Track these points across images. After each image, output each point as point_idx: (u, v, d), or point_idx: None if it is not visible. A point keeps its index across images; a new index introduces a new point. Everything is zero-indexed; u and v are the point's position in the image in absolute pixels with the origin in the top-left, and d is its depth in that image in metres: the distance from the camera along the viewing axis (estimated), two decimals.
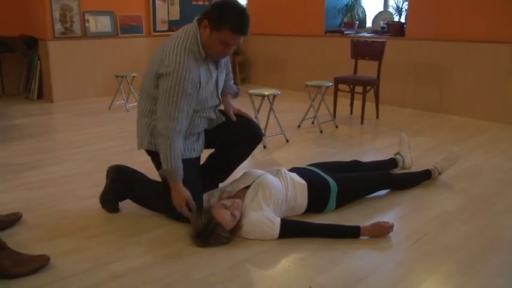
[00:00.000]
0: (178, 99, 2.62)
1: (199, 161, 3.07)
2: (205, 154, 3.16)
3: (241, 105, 3.33)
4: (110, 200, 3.09)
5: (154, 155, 2.88)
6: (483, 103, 5.81)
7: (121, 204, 3.14)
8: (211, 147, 3.20)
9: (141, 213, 3.07)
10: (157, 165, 2.84)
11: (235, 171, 3.31)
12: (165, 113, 2.64)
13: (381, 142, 4.85)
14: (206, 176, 3.09)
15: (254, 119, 3.11)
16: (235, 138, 3.11)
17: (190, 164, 2.86)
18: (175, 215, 2.84)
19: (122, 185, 3.04)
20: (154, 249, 2.60)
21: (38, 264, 2.36)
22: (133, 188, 3.06)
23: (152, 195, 3.00)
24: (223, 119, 3.08)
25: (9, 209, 3.04)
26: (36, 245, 2.62)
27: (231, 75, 3.30)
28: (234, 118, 3.08)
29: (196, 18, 2.75)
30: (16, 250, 2.39)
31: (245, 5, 8.78)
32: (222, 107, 3.13)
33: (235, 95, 3.33)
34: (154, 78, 2.72)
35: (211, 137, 3.08)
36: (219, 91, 2.98)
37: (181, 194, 2.72)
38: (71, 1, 6.92)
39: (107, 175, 3.11)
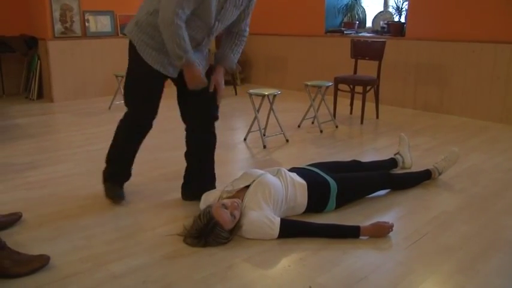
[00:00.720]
0: None
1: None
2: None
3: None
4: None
5: (132, 51, 2.97)
6: (483, 103, 5.81)
7: (120, 205, 3.18)
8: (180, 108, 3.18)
9: (141, 213, 3.08)
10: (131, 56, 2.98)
11: (235, 170, 3.30)
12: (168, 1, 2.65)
13: (380, 142, 4.85)
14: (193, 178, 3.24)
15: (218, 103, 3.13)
16: (193, 114, 3.14)
17: None
18: None
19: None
20: (154, 249, 2.60)
21: (38, 264, 2.36)
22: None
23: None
24: (205, 82, 2.94)
25: (10, 208, 3.05)
26: (37, 245, 2.63)
27: (236, 48, 3.20)
28: (211, 89, 3.02)
29: None
30: (16, 250, 2.39)
31: None
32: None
33: (231, 69, 3.24)
34: None
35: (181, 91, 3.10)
36: (220, 20, 2.89)
37: (199, 71, 2.83)
38: (71, 1, 6.93)
39: None
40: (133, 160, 3.27)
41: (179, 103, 3.16)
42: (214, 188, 3.22)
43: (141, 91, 3.05)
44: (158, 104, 3.09)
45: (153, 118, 3.11)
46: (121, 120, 3.23)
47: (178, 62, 2.78)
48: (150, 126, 3.15)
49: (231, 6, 2.89)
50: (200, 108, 3.13)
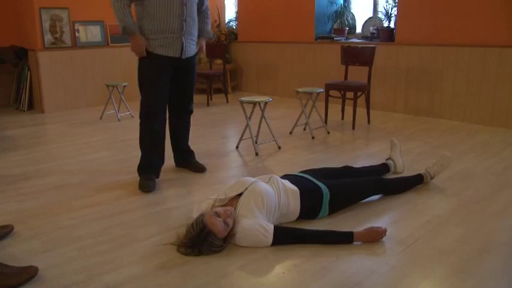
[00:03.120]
0: None
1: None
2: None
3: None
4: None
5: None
6: (473, 107, 5.85)
7: (112, 215, 3.17)
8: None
9: (134, 223, 3.07)
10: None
11: (228, 178, 3.30)
12: None
13: (372, 147, 4.87)
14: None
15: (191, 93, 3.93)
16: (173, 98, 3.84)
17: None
18: None
19: None
20: (148, 259, 2.59)
21: (27, 275, 2.34)
22: None
23: None
24: (196, 50, 3.85)
25: (1, 221, 3.03)
26: (29, 257, 2.61)
27: (208, 20, 3.99)
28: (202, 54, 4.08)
29: None
30: (9, 262, 2.38)
31: (235, 13, 8.84)
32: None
33: (209, 40, 4.09)
34: None
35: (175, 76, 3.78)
36: (184, 6, 3.54)
37: (140, 42, 3.53)
38: (60, 11, 6.93)
39: None
40: (163, 148, 3.82)
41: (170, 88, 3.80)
42: (193, 153, 4.13)
43: (149, 80, 3.64)
44: (167, 92, 3.72)
45: (165, 104, 3.74)
46: (140, 112, 3.75)
47: (121, 31, 3.50)
48: (163, 112, 3.75)
49: None
50: (178, 98, 3.87)
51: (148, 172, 3.73)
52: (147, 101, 3.66)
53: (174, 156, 4.15)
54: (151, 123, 3.67)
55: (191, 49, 3.74)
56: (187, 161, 4.13)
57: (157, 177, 3.80)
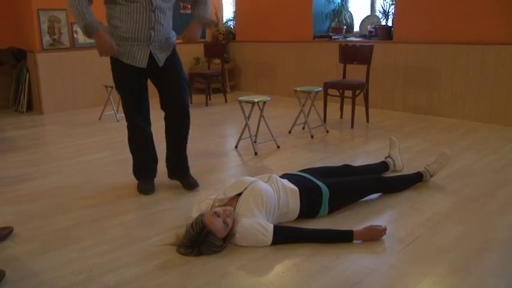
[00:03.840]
0: None
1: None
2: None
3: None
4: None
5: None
6: (472, 104, 5.85)
7: (112, 216, 3.18)
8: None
9: (133, 223, 3.07)
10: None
11: (227, 178, 3.30)
12: None
13: (371, 145, 4.87)
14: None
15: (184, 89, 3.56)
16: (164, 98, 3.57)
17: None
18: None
19: None
20: (147, 259, 2.59)
21: None
22: None
23: None
24: (172, 43, 3.52)
25: (1, 222, 3.03)
26: (29, 259, 2.61)
27: (206, 7, 3.56)
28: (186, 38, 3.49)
29: None
30: (8, 264, 2.37)
31: (233, 12, 8.83)
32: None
33: (206, 25, 3.65)
34: None
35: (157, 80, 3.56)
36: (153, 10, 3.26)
37: (105, 39, 3.22)
38: (58, 13, 6.92)
39: None
40: (152, 147, 3.69)
41: (158, 93, 3.58)
42: (187, 167, 3.73)
43: (120, 85, 3.51)
44: (142, 99, 3.53)
45: (143, 107, 3.55)
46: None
47: (82, 29, 3.20)
48: (145, 110, 3.58)
49: None
50: (172, 99, 3.54)
51: (145, 176, 3.68)
52: (125, 105, 3.55)
53: (167, 166, 3.77)
54: (134, 122, 3.54)
55: (163, 55, 3.45)
56: (179, 173, 3.74)
57: (155, 176, 3.75)
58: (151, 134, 3.65)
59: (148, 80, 3.54)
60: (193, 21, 3.54)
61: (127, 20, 3.25)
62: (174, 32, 3.55)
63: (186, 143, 3.68)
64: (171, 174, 3.77)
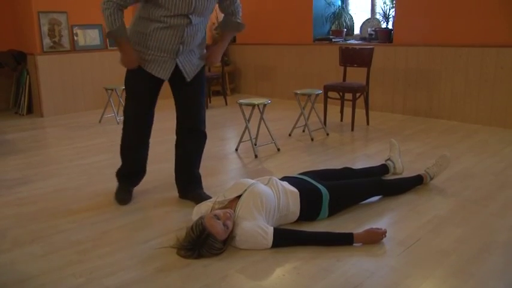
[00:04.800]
0: None
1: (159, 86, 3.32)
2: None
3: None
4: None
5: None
6: (472, 107, 5.85)
7: (112, 219, 3.18)
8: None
9: (133, 226, 3.07)
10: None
11: (227, 180, 3.30)
12: None
13: (371, 148, 4.87)
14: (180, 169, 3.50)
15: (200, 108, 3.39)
16: (181, 116, 3.40)
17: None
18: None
19: None
20: (148, 262, 2.58)
21: None
22: None
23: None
24: (202, 64, 3.34)
25: (1, 225, 3.03)
26: (29, 261, 2.61)
27: (236, 12, 3.33)
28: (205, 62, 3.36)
29: None
30: (7, 267, 2.37)
31: None
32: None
33: (237, 30, 3.44)
34: None
35: (178, 89, 3.34)
36: (194, 10, 2.99)
37: (130, 51, 3.08)
38: (59, 15, 6.93)
39: None
40: (145, 157, 3.53)
41: (175, 101, 3.40)
42: (201, 185, 3.50)
43: (135, 94, 3.28)
44: (151, 105, 3.33)
45: (149, 113, 3.36)
46: (123, 121, 3.42)
47: (107, 34, 3.04)
48: (149, 118, 3.38)
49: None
50: (191, 119, 3.37)
51: (129, 182, 3.56)
52: (129, 107, 3.32)
53: (177, 185, 3.55)
54: (135, 120, 3.33)
55: (192, 69, 3.25)
56: (190, 190, 3.46)
57: (136, 185, 3.60)
58: (149, 136, 3.45)
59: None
60: (223, 37, 3.41)
61: (158, 34, 3.04)
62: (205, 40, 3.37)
63: (200, 160, 3.55)
64: (182, 190, 3.52)
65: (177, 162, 3.50)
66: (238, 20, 3.34)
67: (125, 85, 3.31)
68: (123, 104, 3.40)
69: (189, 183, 3.49)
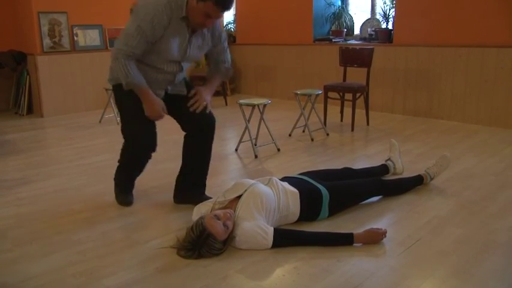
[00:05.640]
0: (136, 31, 2.84)
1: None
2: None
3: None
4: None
5: (116, 91, 3.21)
6: (472, 107, 5.85)
7: (112, 219, 3.18)
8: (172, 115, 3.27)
9: (133, 226, 3.07)
10: (118, 101, 3.26)
11: (227, 181, 3.30)
12: (123, 37, 2.91)
13: (371, 148, 4.87)
14: (185, 180, 3.36)
15: (207, 111, 3.17)
16: (187, 119, 3.20)
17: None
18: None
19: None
20: (148, 262, 2.58)
21: None
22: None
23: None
24: (184, 92, 3.22)
25: (1, 225, 3.03)
26: (29, 261, 2.61)
27: (227, 60, 3.38)
28: (190, 101, 3.11)
29: None
30: (7, 267, 2.37)
31: (233, 15, 8.84)
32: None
33: (226, 77, 3.48)
34: None
35: (171, 108, 3.16)
36: (185, 60, 3.09)
37: (155, 100, 2.99)
38: (59, 15, 6.93)
39: None
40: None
41: (176, 119, 3.28)
42: (204, 194, 3.36)
43: (134, 113, 3.07)
44: (154, 126, 3.18)
45: (152, 141, 3.18)
46: (122, 150, 3.35)
47: (125, 81, 2.94)
48: (151, 150, 3.23)
49: (194, 48, 3.08)
50: (200, 118, 3.19)
51: (129, 189, 3.50)
52: (130, 133, 3.18)
53: (175, 190, 3.44)
54: (141, 142, 3.17)
55: (175, 88, 3.23)
56: (192, 195, 3.33)
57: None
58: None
59: None
60: (213, 80, 3.31)
61: (149, 77, 3.02)
62: None
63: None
64: (182, 196, 3.40)
65: (183, 168, 3.39)
66: (228, 66, 3.39)
67: (122, 115, 3.24)
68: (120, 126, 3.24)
69: (194, 189, 3.38)
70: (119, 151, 3.38)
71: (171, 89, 3.21)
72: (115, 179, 3.52)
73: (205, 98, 3.13)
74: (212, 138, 3.31)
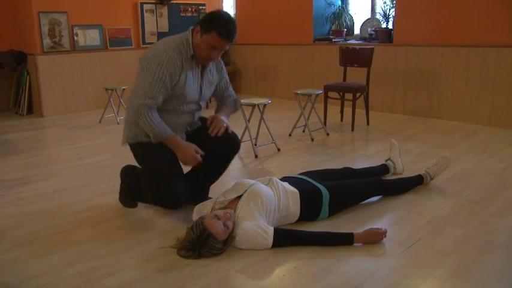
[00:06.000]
0: (154, 80, 2.83)
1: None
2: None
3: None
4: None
5: (135, 149, 3.13)
6: (472, 107, 5.85)
7: (112, 219, 3.17)
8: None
9: (133, 226, 3.07)
10: (139, 159, 3.14)
11: (227, 181, 3.30)
12: (140, 91, 2.87)
13: (372, 148, 4.87)
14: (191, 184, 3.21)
15: (230, 132, 3.11)
16: (212, 144, 3.06)
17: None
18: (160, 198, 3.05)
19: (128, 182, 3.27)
20: (148, 262, 2.58)
21: None
22: (134, 184, 3.23)
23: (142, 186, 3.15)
24: (199, 123, 3.26)
25: (1, 225, 3.03)
26: (29, 261, 2.61)
27: (231, 93, 3.43)
28: (210, 128, 3.04)
29: (191, 27, 2.98)
30: (7, 267, 2.37)
31: (233, 15, 8.83)
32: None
33: (235, 108, 3.43)
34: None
35: (192, 139, 3.15)
36: (201, 97, 3.14)
37: (186, 146, 2.95)
38: (59, 15, 6.93)
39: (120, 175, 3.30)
40: None
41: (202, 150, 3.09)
42: (204, 196, 3.32)
43: (162, 166, 3.01)
44: (183, 177, 3.11)
45: (183, 196, 3.03)
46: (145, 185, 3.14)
47: (153, 134, 2.93)
48: (179, 206, 3.11)
49: (207, 84, 3.14)
50: (219, 144, 3.09)
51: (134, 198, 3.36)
52: (153, 169, 3.06)
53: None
54: (171, 189, 2.97)
55: (194, 124, 3.24)
56: (194, 197, 3.21)
57: None
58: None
59: None
60: (224, 109, 3.29)
61: (169, 121, 2.99)
62: None
63: None
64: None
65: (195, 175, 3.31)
66: (235, 98, 3.44)
67: (141, 160, 3.14)
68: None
69: (198, 194, 3.31)
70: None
71: (190, 128, 3.22)
72: (125, 182, 3.30)
73: (223, 120, 3.07)
74: (235, 155, 3.28)
